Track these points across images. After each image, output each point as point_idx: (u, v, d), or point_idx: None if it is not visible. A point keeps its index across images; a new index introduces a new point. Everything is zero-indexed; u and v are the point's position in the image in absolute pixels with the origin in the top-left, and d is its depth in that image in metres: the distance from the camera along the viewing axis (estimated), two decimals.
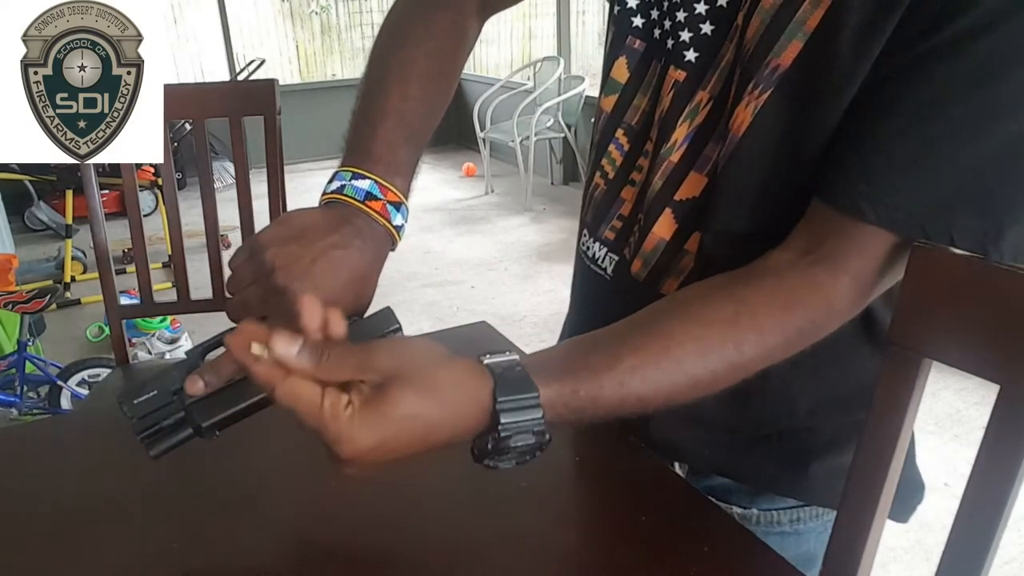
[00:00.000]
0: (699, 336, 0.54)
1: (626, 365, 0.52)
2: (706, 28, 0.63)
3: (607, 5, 0.74)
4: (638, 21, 0.70)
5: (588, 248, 0.78)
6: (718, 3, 0.62)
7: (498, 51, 6.55)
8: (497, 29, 6.51)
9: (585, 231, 0.79)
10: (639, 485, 0.69)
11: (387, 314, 0.56)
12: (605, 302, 0.76)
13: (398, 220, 0.62)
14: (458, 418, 0.48)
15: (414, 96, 0.67)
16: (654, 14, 0.68)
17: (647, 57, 0.70)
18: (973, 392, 2.40)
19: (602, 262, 0.76)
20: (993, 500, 0.54)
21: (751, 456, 0.72)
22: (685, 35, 0.64)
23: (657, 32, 0.68)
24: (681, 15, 0.65)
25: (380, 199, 0.61)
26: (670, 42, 0.66)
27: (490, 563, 0.60)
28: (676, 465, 0.77)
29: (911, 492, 0.75)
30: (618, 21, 0.71)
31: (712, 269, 0.63)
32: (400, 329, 0.55)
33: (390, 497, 0.68)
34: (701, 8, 0.63)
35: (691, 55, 0.64)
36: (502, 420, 0.48)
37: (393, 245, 0.62)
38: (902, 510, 0.74)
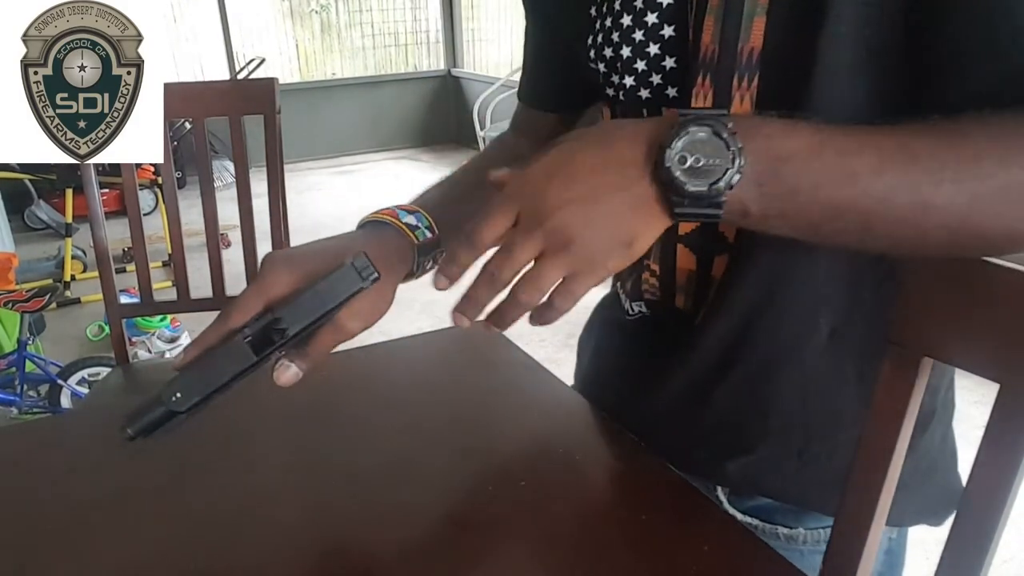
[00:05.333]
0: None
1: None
2: (669, 63, 0.63)
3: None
4: (611, 91, 0.69)
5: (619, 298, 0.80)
6: (663, 34, 0.63)
7: (498, 50, 6.55)
8: (497, 28, 6.51)
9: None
10: (639, 485, 0.69)
11: (361, 263, 0.54)
12: (635, 332, 0.77)
13: (409, 220, 0.63)
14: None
15: (440, 190, 0.73)
16: (616, 79, 0.68)
17: (623, 116, 0.69)
18: (973, 391, 2.39)
19: (630, 311, 0.77)
20: (993, 499, 0.54)
21: (799, 478, 0.70)
22: (656, 78, 0.64)
23: (625, 91, 0.68)
24: (641, 65, 0.65)
25: (391, 208, 0.64)
26: (644, 92, 0.66)
27: (490, 563, 0.60)
28: (718, 489, 0.75)
29: (951, 500, 0.72)
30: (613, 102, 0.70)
31: (743, 280, 0.64)
32: (377, 274, 0.54)
33: (389, 498, 0.68)
34: (654, 49, 0.63)
35: (672, 92, 0.64)
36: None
37: (414, 246, 0.63)
38: (938, 515, 0.73)
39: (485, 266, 0.50)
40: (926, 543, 0.75)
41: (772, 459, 0.69)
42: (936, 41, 0.50)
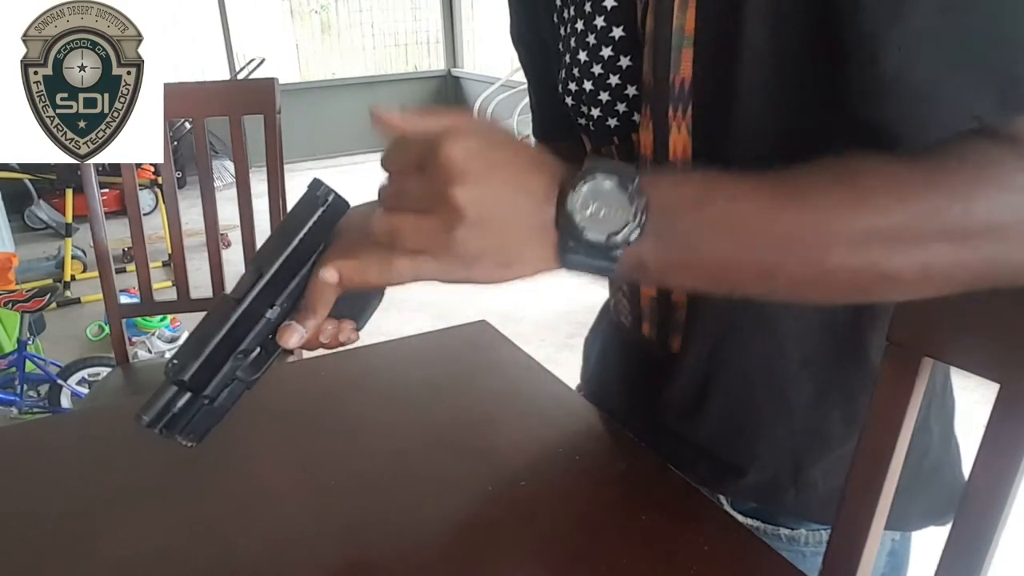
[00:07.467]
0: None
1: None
2: (631, 91, 0.64)
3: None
4: (582, 121, 0.70)
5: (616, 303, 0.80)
6: (620, 65, 0.63)
7: (498, 50, 6.55)
8: (496, 28, 6.51)
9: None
10: (639, 484, 0.69)
11: (319, 188, 0.55)
12: (634, 339, 0.77)
13: None
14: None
15: None
16: (584, 110, 0.68)
17: (596, 144, 0.70)
18: (973, 391, 2.39)
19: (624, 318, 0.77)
20: (993, 499, 0.54)
21: (798, 500, 0.70)
22: (621, 106, 0.65)
23: (593, 122, 0.69)
24: (604, 96, 0.65)
25: None
26: (612, 121, 0.67)
27: (490, 562, 0.60)
28: (720, 497, 0.75)
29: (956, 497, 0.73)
30: (585, 132, 0.71)
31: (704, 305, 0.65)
32: (333, 192, 0.55)
33: (389, 498, 0.68)
34: (614, 80, 0.64)
35: (638, 118, 0.65)
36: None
37: None
38: (944, 516, 0.72)
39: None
40: (926, 543, 0.75)
41: (767, 484, 0.70)
42: (832, 47, 0.50)
